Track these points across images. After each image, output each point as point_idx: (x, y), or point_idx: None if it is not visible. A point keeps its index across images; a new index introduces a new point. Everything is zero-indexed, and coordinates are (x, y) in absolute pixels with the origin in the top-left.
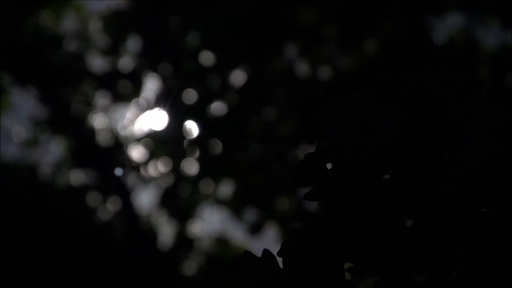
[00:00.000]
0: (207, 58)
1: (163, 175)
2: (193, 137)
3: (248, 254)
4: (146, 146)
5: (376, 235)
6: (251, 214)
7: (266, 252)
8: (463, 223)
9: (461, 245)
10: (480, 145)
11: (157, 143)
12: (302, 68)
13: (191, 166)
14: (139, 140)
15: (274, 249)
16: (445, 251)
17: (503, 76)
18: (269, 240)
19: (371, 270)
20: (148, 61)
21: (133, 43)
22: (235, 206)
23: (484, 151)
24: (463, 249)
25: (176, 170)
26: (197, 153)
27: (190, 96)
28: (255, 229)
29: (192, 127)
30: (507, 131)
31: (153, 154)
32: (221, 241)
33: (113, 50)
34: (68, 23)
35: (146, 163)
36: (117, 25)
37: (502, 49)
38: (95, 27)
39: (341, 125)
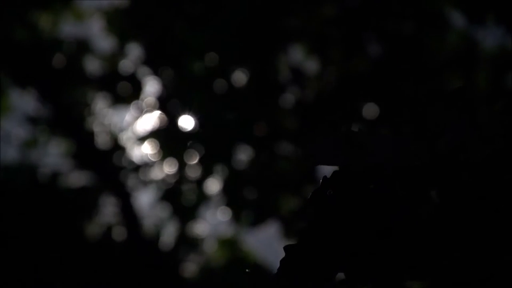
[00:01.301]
0: (210, 59)
1: (164, 177)
2: (194, 137)
3: (239, 266)
4: (147, 147)
5: (368, 244)
6: (253, 211)
7: (255, 266)
8: (459, 228)
9: (454, 251)
10: (475, 149)
11: (158, 144)
12: (307, 69)
13: (193, 168)
14: (139, 141)
15: (274, 246)
16: (439, 257)
17: (502, 77)
18: (271, 237)
19: (364, 280)
20: (149, 62)
21: (134, 45)
22: (236, 206)
23: (480, 155)
24: (457, 255)
25: (178, 171)
26: (199, 155)
27: (192, 98)
28: (256, 222)
29: (193, 128)
30: (504, 133)
31: (154, 155)
32: (223, 243)
33: (114, 52)
34: (68, 24)
35: (146, 164)
36: (118, 25)
37: (502, 49)
38: (95, 28)
39: (336, 136)
